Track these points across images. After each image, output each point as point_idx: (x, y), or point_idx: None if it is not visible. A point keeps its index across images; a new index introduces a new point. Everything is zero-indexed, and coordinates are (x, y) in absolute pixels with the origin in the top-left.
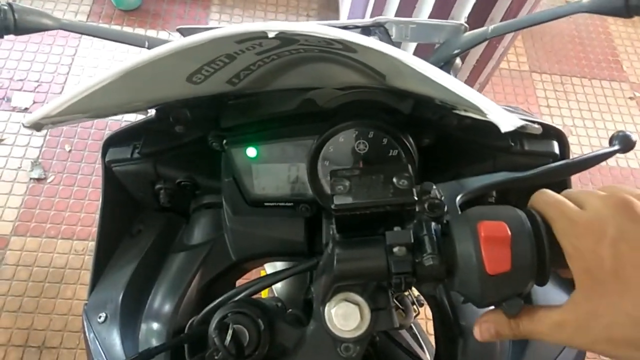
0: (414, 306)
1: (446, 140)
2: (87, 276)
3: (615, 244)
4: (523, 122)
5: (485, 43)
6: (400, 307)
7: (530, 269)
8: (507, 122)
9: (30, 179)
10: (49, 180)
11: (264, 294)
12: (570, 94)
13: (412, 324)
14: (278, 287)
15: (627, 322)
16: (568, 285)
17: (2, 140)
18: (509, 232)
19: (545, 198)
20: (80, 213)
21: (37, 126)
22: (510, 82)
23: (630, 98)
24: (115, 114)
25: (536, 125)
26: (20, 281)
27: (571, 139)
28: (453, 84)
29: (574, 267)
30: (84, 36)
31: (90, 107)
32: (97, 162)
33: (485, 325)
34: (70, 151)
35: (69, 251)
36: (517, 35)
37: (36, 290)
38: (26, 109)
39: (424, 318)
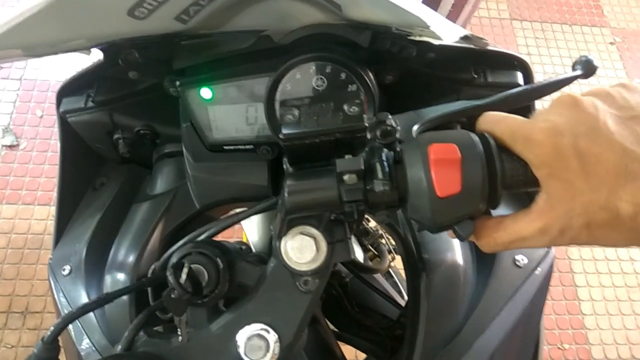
0: (391, 254)
1: (410, 77)
2: None
3: (575, 142)
4: (466, 32)
5: None
6: (376, 253)
7: (481, 190)
8: (448, 33)
9: (2, 146)
10: (21, 147)
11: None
12: (550, 40)
13: (392, 272)
14: (249, 234)
15: (603, 213)
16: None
17: None
18: (459, 154)
19: (491, 118)
20: (56, 179)
21: None
22: (490, 31)
23: (611, 43)
24: (56, 53)
25: (485, 40)
26: None
27: None
28: None
29: (541, 175)
30: None
31: (24, 41)
32: None
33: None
34: (42, 116)
35: (46, 217)
36: None
37: (16, 257)
38: None
39: None
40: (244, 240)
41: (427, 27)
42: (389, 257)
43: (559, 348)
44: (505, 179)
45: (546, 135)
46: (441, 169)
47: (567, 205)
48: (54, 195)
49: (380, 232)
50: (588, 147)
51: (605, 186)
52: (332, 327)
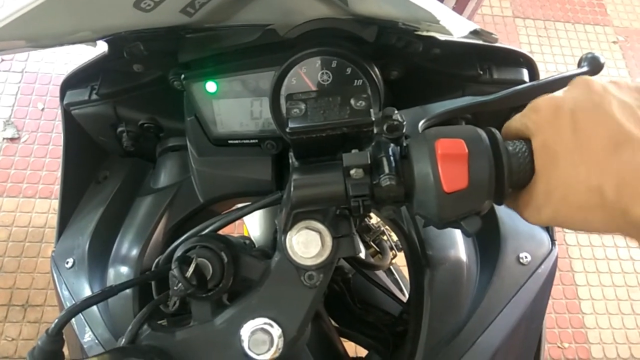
0: (393, 251)
1: (415, 73)
2: None
3: (573, 114)
4: (476, 27)
5: None
6: (378, 249)
7: (488, 186)
8: (459, 28)
9: (4, 139)
10: (23, 140)
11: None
12: (553, 39)
13: (393, 270)
14: (251, 229)
15: (581, 188)
16: None
17: None
18: (467, 149)
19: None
20: (57, 172)
21: None
22: (493, 29)
23: (614, 42)
24: (61, 45)
25: (494, 35)
26: (0, 241)
27: None
28: None
29: (534, 145)
30: None
31: (30, 32)
32: None
33: None
34: (43, 109)
35: (47, 210)
36: None
37: (17, 250)
38: None
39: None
40: (245, 234)
41: (437, 21)
42: (391, 253)
43: (558, 347)
44: (512, 175)
45: (547, 103)
46: (448, 164)
47: (545, 182)
48: (56, 188)
49: (382, 228)
50: (585, 121)
51: (591, 163)
52: (334, 323)
